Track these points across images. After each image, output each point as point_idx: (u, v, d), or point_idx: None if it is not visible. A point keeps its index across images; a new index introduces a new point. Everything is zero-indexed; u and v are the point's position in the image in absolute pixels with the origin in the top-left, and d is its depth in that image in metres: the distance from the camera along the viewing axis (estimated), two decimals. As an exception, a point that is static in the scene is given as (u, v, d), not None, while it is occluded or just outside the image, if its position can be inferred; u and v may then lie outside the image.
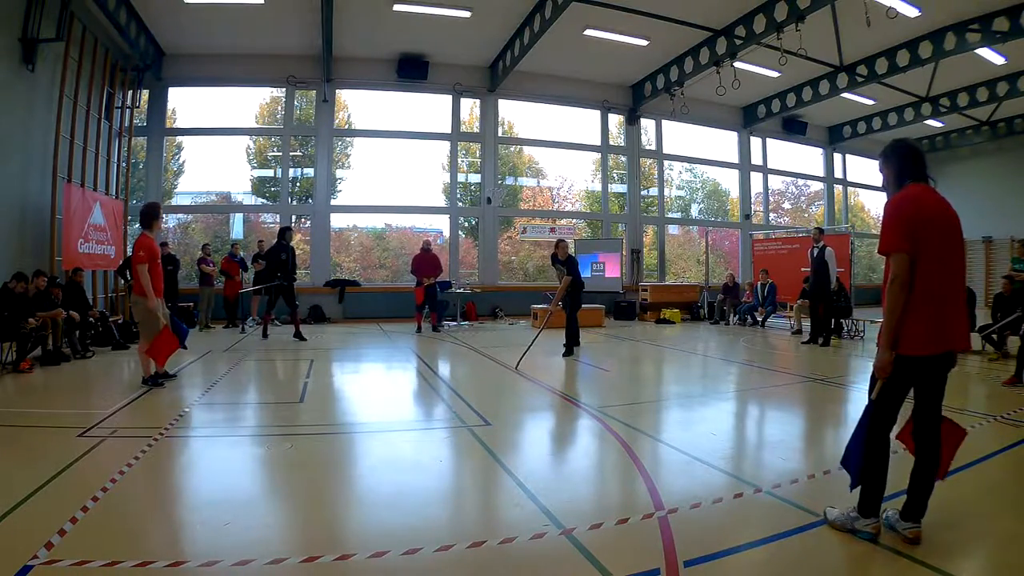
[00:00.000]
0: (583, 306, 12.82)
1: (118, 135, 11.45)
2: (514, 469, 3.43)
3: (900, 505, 2.52)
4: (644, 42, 12.59)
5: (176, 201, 14.11)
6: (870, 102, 15.68)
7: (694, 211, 18.28)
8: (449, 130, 14.61)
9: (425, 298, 11.02)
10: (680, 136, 16.85)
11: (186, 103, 13.65)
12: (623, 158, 16.15)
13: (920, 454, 2.50)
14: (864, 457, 2.48)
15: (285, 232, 9.94)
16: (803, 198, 20.21)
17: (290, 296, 9.75)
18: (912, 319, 2.37)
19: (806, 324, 10.31)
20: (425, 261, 11.08)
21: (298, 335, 9.54)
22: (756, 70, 13.31)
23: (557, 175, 16.54)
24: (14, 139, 8.40)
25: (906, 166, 2.59)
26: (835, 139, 18.79)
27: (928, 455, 2.48)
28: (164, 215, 13.42)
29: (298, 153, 14.34)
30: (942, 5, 10.36)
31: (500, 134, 15.16)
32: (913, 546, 2.38)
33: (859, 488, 2.50)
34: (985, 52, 11.69)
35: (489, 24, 12.00)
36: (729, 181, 18.15)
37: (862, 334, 10.22)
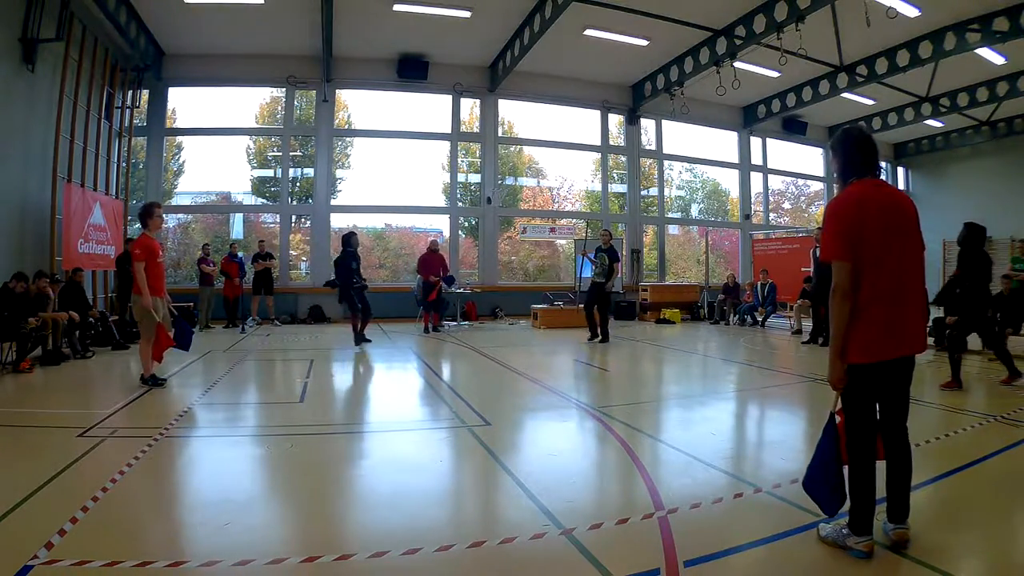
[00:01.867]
0: (580, 305, 12.89)
1: (118, 135, 11.46)
2: (514, 469, 3.43)
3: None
4: (644, 42, 12.58)
5: (176, 201, 14.10)
6: (870, 102, 15.68)
7: (694, 211, 18.27)
8: (449, 130, 14.60)
9: (433, 295, 11.07)
10: (680, 136, 16.84)
11: (186, 103, 13.66)
12: (623, 158, 16.15)
13: (890, 457, 2.43)
14: (850, 474, 2.36)
15: (351, 238, 9.03)
16: (803, 198, 20.21)
17: (363, 299, 9.05)
18: (862, 326, 2.27)
19: (806, 324, 10.32)
20: (432, 261, 11.14)
21: (362, 339, 8.88)
22: (756, 70, 13.31)
23: (557, 175, 16.56)
24: (14, 139, 8.40)
25: (849, 160, 2.42)
26: (835, 139, 18.76)
27: (899, 457, 2.41)
28: (165, 215, 13.50)
29: (298, 153, 14.34)
30: (942, 5, 10.36)
31: (500, 134, 15.15)
32: (901, 548, 2.35)
33: (848, 506, 2.40)
34: (985, 52, 11.68)
35: (489, 24, 11.99)
36: (729, 181, 18.15)
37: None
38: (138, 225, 13.06)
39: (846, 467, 2.40)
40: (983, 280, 5.82)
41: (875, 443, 2.39)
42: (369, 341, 8.96)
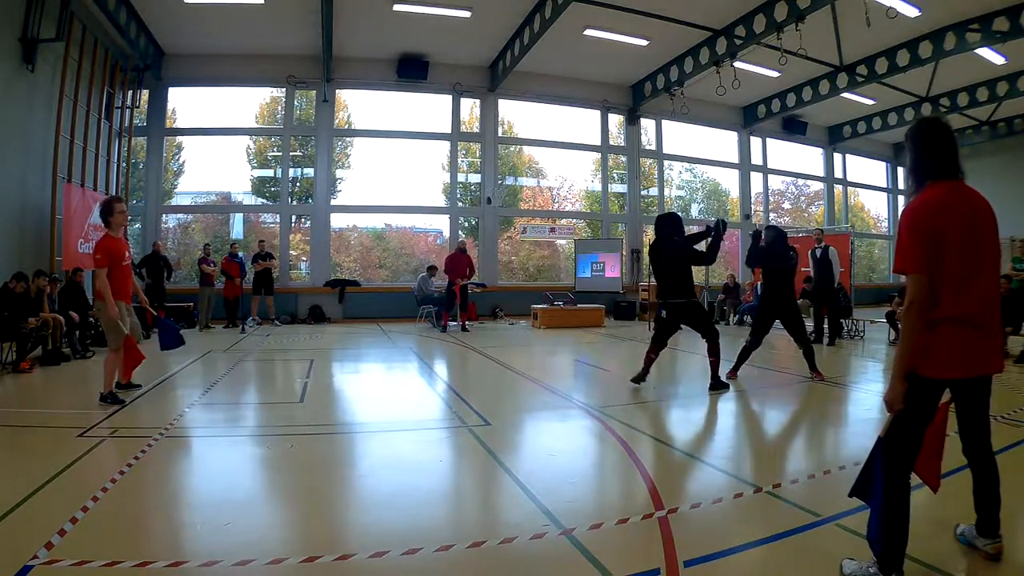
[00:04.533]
0: (580, 305, 12.92)
1: (118, 135, 11.46)
2: (514, 469, 3.43)
3: (964, 521, 2.43)
4: (644, 42, 12.58)
5: (176, 201, 14.12)
6: (870, 102, 15.68)
7: (694, 211, 18.26)
8: (449, 130, 14.60)
9: (456, 298, 11.22)
10: (680, 136, 16.85)
11: (186, 103, 13.66)
12: (623, 158, 16.14)
13: (981, 475, 2.33)
14: (883, 504, 2.14)
15: (677, 221, 5.88)
16: (803, 198, 20.21)
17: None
18: (940, 341, 2.09)
19: (806, 324, 10.31)
20: (460, 262, 11.29)
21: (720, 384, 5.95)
22: (756, 70, 13.31)
23: (557, 175, 16.56)
24: (14, 139, 8.40)
25: (925, 158, 2.18)
26: (835, 139, 18.78)
27: (990, 474, 2.31)
28: (165, 216, 13.55)
29: (298, 153, 14.34)
30: (942, 5, 10.36)
31: (500, 134, 15.15)
32: (996, 562, 2.29)
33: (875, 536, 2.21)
34: (985, 52, 11.68)
35: (489, 24, 11.99)
36: (729, 181, 18.15)
37: (862, 334, 10.22)
38: (138, 225, 13.21)
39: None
40: (789, 278, 6.52)
41: (910, 473, 2.23)
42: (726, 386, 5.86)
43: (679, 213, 6.66)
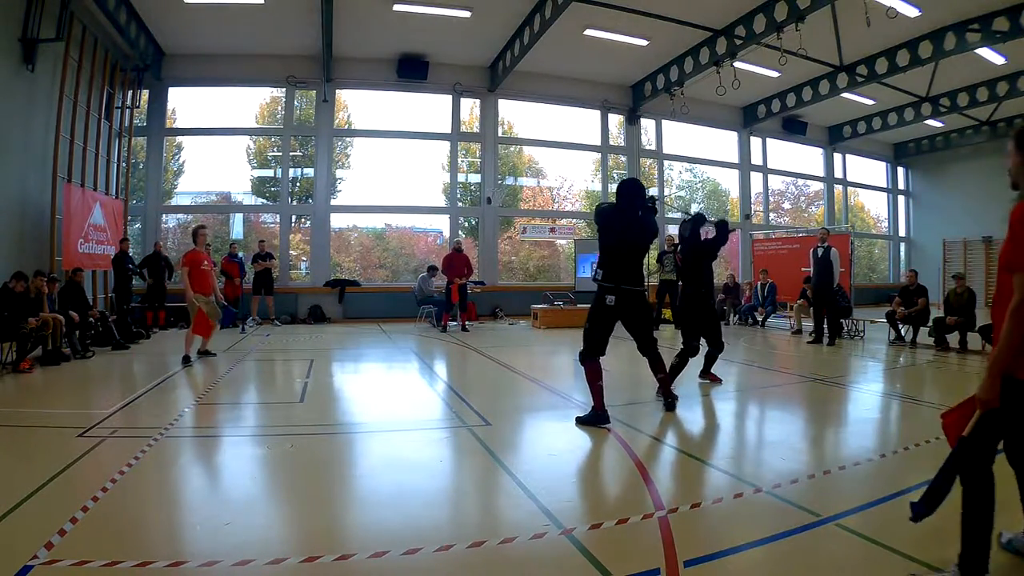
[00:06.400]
0: (580, 305, 12.92)
1: (118, 135, 11.46)
2: (514, 469, 3.43)
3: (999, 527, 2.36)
4: (644, 42, 12.58)
5: (176, 201, 14.12)
6: (870, 102, 15.68)
7: (694, 211, 18.24)
8: (449, 130, 14.60)
9: (455, 298, 11.26)
10: (680, 136, 16.84)
11: (186, 103, 13.65)
12: (623, 158, 16.14)
13: (1021, 476, 2.32)
14: (967, 504, 2.14)
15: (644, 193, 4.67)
16: (803, 198, 20.21)
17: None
18: None
19: (807, 324, 10.32)
20: (458, 261, 11.30)
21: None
22: (756, 70, 13.31)
23: (557, 175, 16.56)
24: (14, 139, 8.40)
25: None
26: (835, 139, 18.78)
27: None
28: (165, 216, 13.58)
29: (298, 153, 14.34)
30: (942, 5, 10.36)
31: (500, 134, 15.15)
32: None
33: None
34: (985, 52, 11.69)
35: (489, 24, 11.99)
36: (729, 181, 18.15)
37: (862, 334, 10.22)
38: (138, 226, 13.35)
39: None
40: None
41: (990, 470, 2.22)
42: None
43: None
